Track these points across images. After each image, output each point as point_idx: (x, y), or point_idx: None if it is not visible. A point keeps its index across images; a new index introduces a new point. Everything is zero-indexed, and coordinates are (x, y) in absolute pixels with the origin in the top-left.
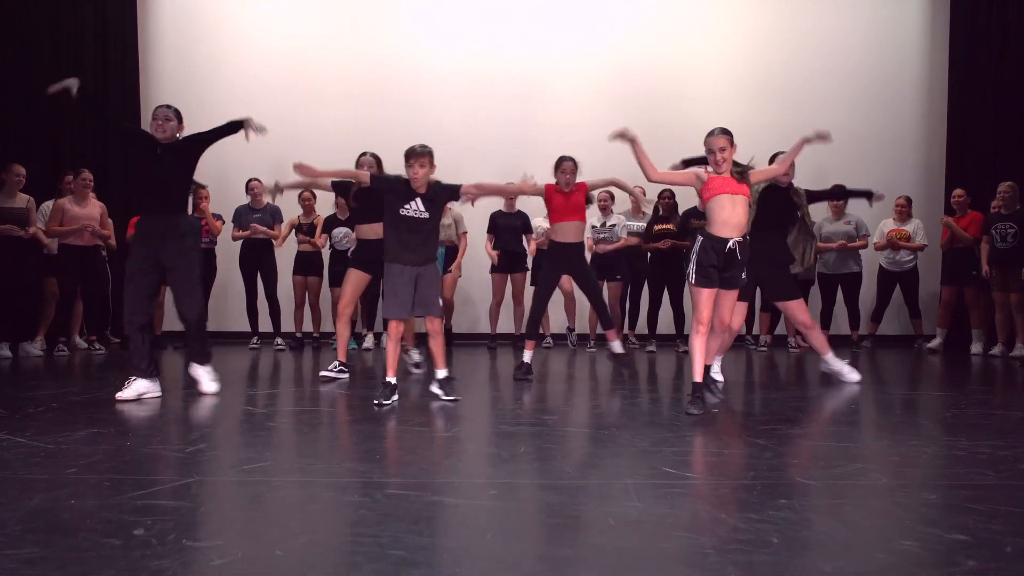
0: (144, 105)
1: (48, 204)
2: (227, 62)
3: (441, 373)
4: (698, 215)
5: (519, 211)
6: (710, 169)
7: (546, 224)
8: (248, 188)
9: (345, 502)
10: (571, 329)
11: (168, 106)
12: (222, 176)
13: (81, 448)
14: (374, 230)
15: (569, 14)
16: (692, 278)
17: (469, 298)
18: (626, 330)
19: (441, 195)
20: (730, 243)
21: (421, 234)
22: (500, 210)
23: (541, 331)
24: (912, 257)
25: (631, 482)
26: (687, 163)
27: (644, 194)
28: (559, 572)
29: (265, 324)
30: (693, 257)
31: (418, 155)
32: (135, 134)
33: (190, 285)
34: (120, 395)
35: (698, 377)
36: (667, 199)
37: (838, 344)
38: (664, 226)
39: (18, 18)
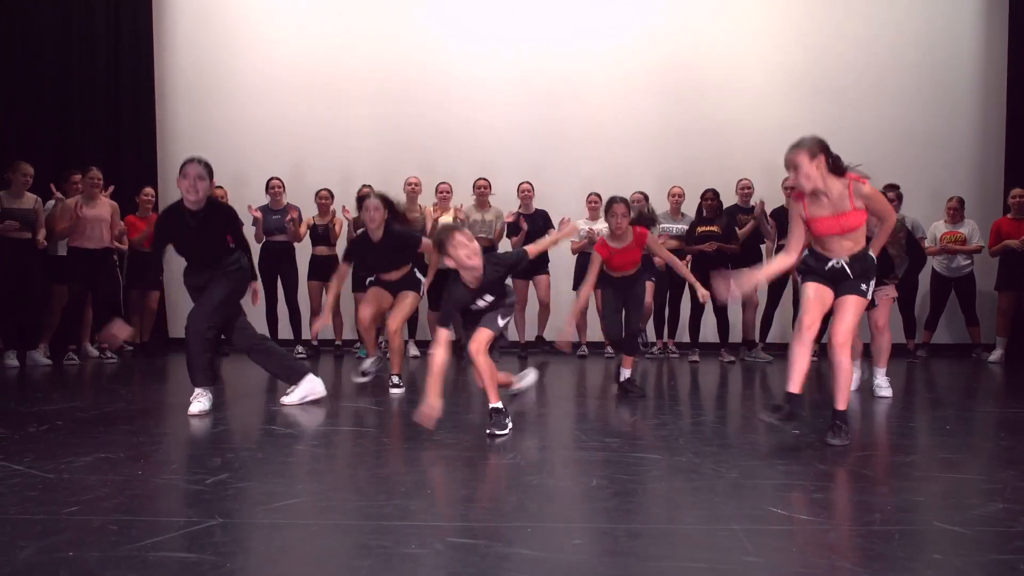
0: (159, 110)
1: (51, 203)
2: (245, 64)
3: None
4: (743, 211)
5: (538, 210)
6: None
7: (587, 227)
8: (268, 187)
9: (401, 555)
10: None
11: (200, 160)
12: (240, 176)
13: (86, 478)
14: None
15: (603, 12)
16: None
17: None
18: (665, 338)
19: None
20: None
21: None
22: (519, 211)
23: (578, 339)
24: (968, 261)
25: (738, 528)
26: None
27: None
28: None
29: (285, 331)
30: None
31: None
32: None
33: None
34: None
35: (842, 406)
36: (710, 200)
37: (893, 353)
38: (708, 228)
39: (29, 18)
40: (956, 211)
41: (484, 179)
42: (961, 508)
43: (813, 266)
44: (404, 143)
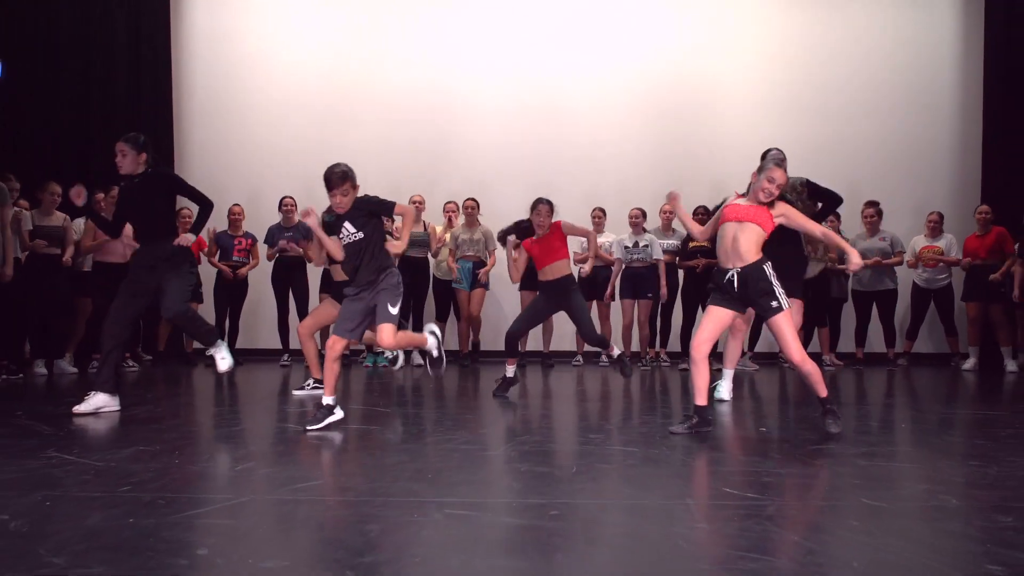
0: (177, 132)
1: (80, 222)
2: (257, 88)
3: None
4: None
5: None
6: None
7: (630, 241)
8: (281, 205)
9: (406, 522)
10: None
11: (126, 138)
12: (254, 195)
13: (130, 466)
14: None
15: (596, 35)
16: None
17: (497, 315)
18: (658, 347)
19: (367, 208)
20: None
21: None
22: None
23: (575, 350)
24: (946, 274)
25: (692, 502)
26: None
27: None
28: None
29: (296, 341)
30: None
31: (334, 183)
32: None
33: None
34: (78, 408)
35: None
36: (701, 215)
37: (873, 362)
38: (698, 243)
39: (53, 47)
40: (936, 225)
41: (472, 200)
42: (890, 489)
43: (718, 283)
44: (406, 161)
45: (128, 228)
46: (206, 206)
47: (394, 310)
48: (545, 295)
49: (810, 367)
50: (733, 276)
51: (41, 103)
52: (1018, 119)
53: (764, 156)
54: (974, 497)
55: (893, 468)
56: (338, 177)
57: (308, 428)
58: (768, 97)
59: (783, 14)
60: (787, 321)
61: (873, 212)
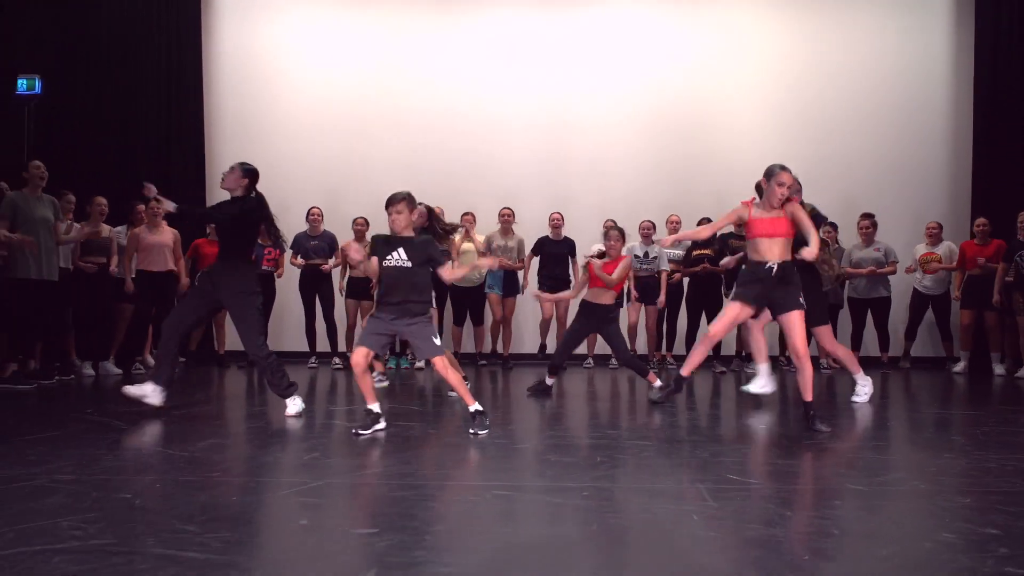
0: (208, 146)
1: (122, 231)
2: (284, 103)
3: (472, 408)
4: (736, 237)
5: (566, 238)
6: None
7: (640, 251)
8: (308, 216)
9: (463, 500)
10: (544, 347)
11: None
12: (282, 206)
13: (212, 456)
14: None
15: (608, 56)
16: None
17: (516, 321)
18: (664, 351)
19: (427, 250)
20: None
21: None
22: (547, 236)
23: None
24: (945, 281)
25: (703, 486)
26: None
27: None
28: (664, 555)
29: (323, 344)
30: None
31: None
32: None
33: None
34: (127, 390)
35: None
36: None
37: (867, 365)
38: (702, 251)
39: (94, 69)
40: (935, 233)
41: (508, 208)
42: (869, 476)
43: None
44: (428, 174)
45: (168, 237)
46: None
47: (438, 341)
48: (586, 316)
49: (810, 368)
50: (774, 266)
51: (82, 119)
52: (1006, 134)
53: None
54: (941, 483)
55: (875, 459)
56: (397, 197)
57: (358, 432)
58: (769, 113)
59: (784, 35)
60: (802, 319)
61: (868, 224)
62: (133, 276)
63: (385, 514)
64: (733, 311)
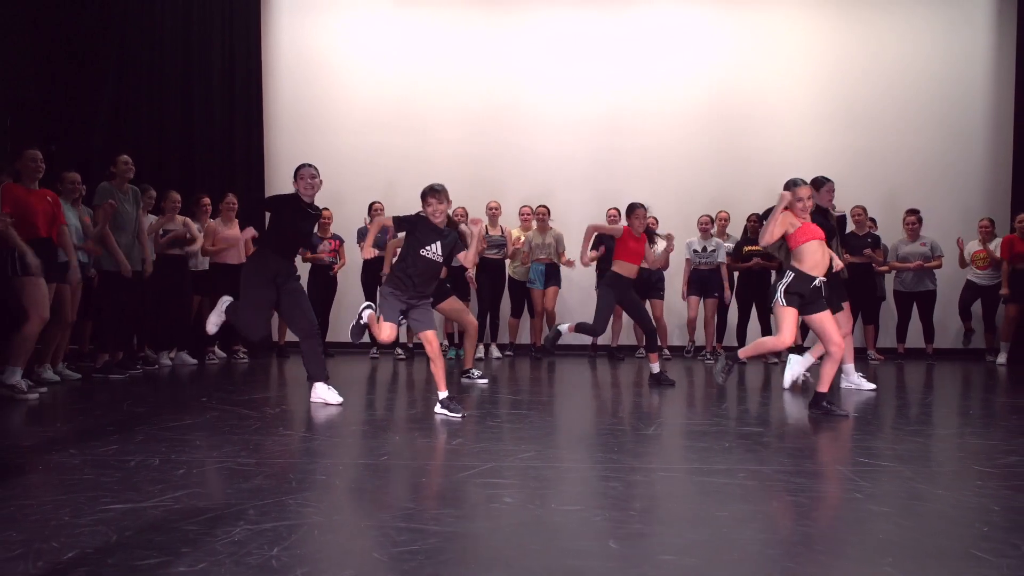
0: (267, 142)
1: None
2: (341, 99)
3: (442, 394)
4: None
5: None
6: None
7: (699, 245)
8: (371, 210)
9: (633, 480)
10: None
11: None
12: (339, 199)
13: (367, 442)
14: None
15: (654, 51)
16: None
17: (568, 312)
18: (715, 343)
19: (455, 241)
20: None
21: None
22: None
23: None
24: (997, 274)
25: (844, 469)
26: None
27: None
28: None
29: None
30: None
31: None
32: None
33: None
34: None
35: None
36: (754, 222)
37: (912, 356)
38: (752, 247)
39: (157, 71)
40: (988, 229)
41: (544, 206)
42: (992, 460)
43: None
44: (480, 170)
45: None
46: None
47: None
48: (618, 289)
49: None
50: (821, 284)
51: (149, 122)
52: None
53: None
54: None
55: (986, 445)
56: (442, 188)
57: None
58: (813, 109)
59: (827, 32)
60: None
61: (915, 219)
62: (206, 269)
63: (584, 494)
64: (829, 320)
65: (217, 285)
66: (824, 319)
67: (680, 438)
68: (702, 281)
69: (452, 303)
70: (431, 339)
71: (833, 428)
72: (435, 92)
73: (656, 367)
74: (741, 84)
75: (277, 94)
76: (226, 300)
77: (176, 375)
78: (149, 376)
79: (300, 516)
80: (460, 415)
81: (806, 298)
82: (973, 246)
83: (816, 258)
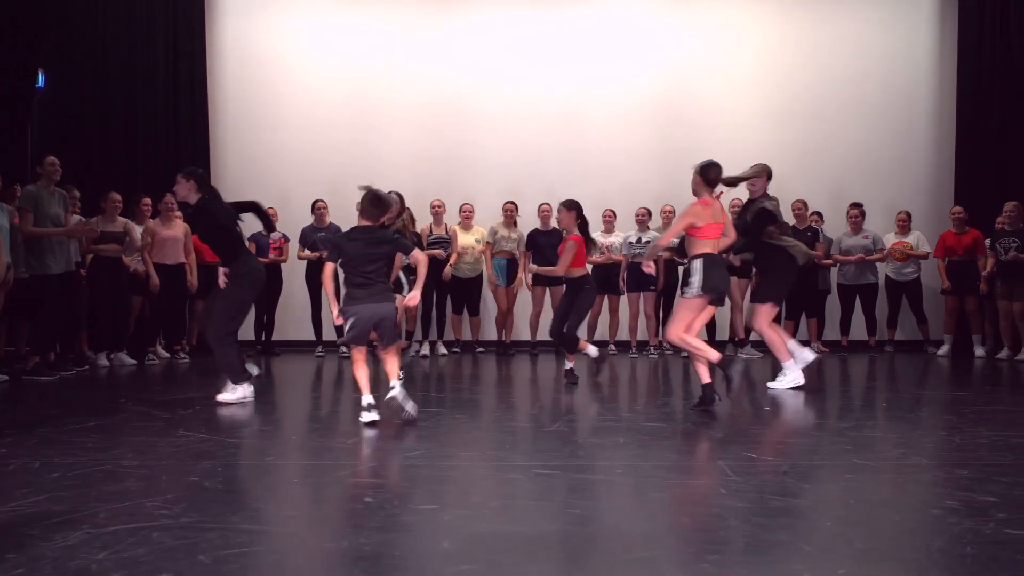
0: (212, 142)
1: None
2: (287, 98)
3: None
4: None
5: (555, 228)
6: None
7: (604, 240)
8: (314, 208)
9: (508, 479)
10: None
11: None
12: (284, 197)
13: (260, 442)
14: None
15: (604, 50)
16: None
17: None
18: (660, 337)
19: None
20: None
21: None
22: (537, 228)
23: (603, 339)
24: (914, 268)
25: (725, 463)
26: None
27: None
28: (705, 524)
29: (329, 334)
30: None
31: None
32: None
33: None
34: (223, 397)
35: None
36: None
37: (856, 349)
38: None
39: (101, 68)
40: (904, 223)
41: (512, 202)
42: (874, 452)
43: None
44: (430, 167)
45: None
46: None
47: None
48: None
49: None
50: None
51: (88, 114)
52: (989, 124)
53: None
54: (940, 458)
55: (876, 437)
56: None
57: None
58: (761, 105)
59: (775, 29)
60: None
61: (857, 212)
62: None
63: (446, 491)
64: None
65: (156, 285)
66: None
67: (578, 434)
68: (639, 275)
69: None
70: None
71: (737, 422)
72: (384, 89)
73: (593, 350)
74: (686, 80)
75: (223, 91)
76: None
77: (112, 376)
78: (82, 378)
79: (150, 519)
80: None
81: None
82: (891, 239)
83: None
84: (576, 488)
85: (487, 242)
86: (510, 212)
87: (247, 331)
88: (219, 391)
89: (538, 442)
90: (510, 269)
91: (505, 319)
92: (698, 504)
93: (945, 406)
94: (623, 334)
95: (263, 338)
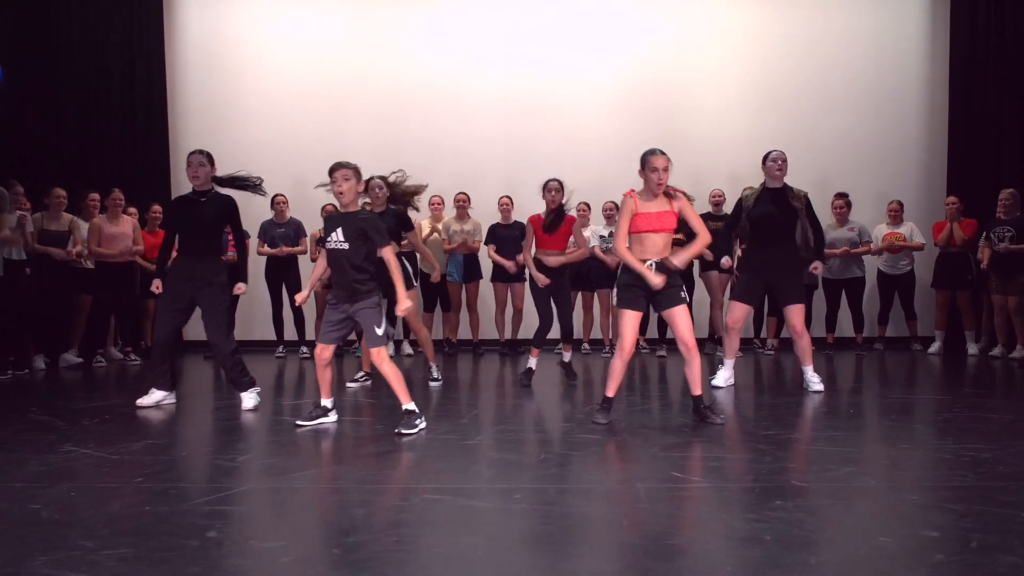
0: (172, 134)
1: (83, 223)
2: (247, 90)
3: (405, 406)
4: (715, 219)
5: (516, 221)
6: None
7: (604, 231)
8: (273, 203)
9: (388, 506)
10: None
11: (200, 151)
12: (246, 193)
13: (142, 458)
14: None
15: (578, 33)
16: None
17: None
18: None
19: (363, 225)
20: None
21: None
22: (499, 222)
23: (579, 337)
24: (908, 260)
25: (642, 486)
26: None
27: None
28: (580, 566)
29: (290, 333)
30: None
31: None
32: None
33: (220, 321)
34: (141, 401)
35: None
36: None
37: (843, 346)
38: (676, 235)
39: (54, 56)
40: (896, 213)
41: (463, 193)
42: (819, 471)
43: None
44: (396, 158)
45: (127, 227)
46: (243, 243)
47: (380, 331)
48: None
49: (698, 360)
50: (652, 264)
51: (43, 108)
52: (982, 112)
53: (765, 159)
54: (891, 478)
55: (828, 452)
56: (339, 164)
57: (299, 424)
58: (743, 93)
59: (757, 14)
60: (686, 313)
61: (842, 203)
62: (91, 267)
63: (300, 524)
64: (630, 323)
65: (104, 284)
66: (669, 316)
67: (497, 450)
68: (607, 270)
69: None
70: (373, 357)
71: (687, 437)
72: (349, 80)
73: (567, 356)
74: (666, 67)
75: (182, 84)
76: None
77: (47, 379)
78: (18, 382)
79: None
80: (409, 431)
81: (642, 286)
82: (883, 230)
83: (648, 245)
84: (455, 519)
85: (444, 239)
86: (462, 203)
87: (196, 332)
88: (143, 394)
89: (448, 459)
90: (468, 266)
91: (458, 316)
92: (580, 542)
93: (918, 412)
94: (596, 332)
95: None
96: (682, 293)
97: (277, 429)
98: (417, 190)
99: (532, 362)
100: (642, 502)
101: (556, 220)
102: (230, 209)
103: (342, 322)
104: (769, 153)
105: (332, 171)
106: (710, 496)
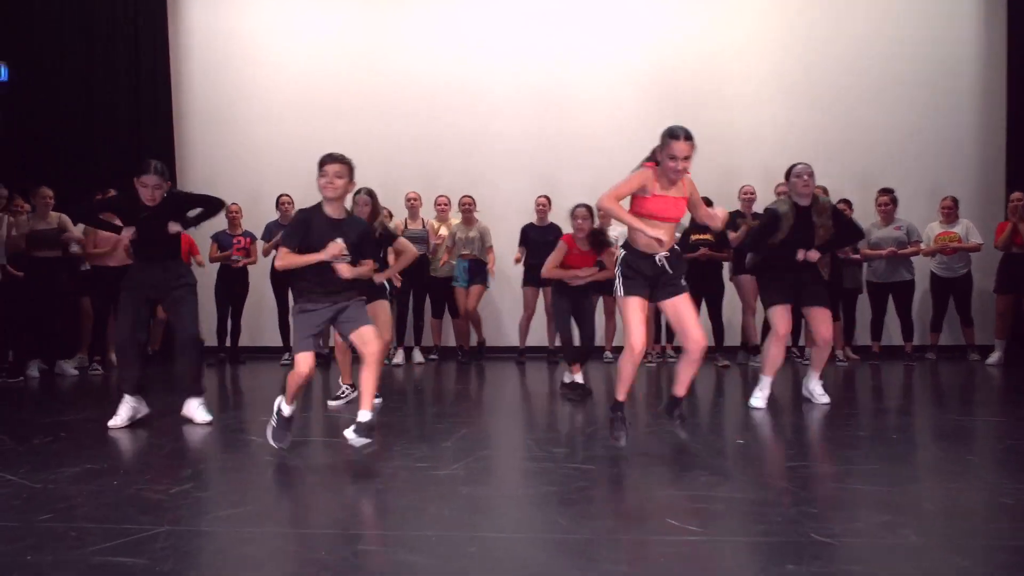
0: (177, 136)
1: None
2: (254, 90)
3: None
4: (744, 217)
5: (551, 224)
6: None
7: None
8: (278, 204)
9: (311, 559)
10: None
11: (156, 170)
12: (253, 194)
13: (67, 488)
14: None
15: (596, 22)
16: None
17: (499, 311)
18: (664, 343)
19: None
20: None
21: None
22: (532, 223)
23: (600, 345)
24: (965, 262)
25: (624, 537)
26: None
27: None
28: None
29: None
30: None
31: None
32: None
33: (188, 312)
34: (112, 423)
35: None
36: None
37: (891, 355)
38: (701, 236)
39: (57, 55)
40: (950, 211)
41: (468, 196)
42: (847, 521)
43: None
44: (408, 157)
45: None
46: (214, 205)
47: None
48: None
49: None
50: (663, 261)
51: (46, 107)
52: None
53: (789, 173)
54: (937, 532)
55: (859, 492)
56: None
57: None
58: (778, 83)
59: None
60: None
61: (888, 200)
62: (86, 269)
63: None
64: (637, 312)
65: (100, 290)
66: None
67: (466, 483)
68: None
69: (378, 309)
70: (367, 338)
71: (694, 468)
72: (358, 78)
73: (578, 378)
74: (698, 56)
75: (188, 84)
76: None
77: (36, 388)
78: (10, 389)
79: None
80: (367, 440)
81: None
82: (935, 229)
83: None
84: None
85: (447, 246)
86: (467, 208)
87: (210, 337)
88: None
89: (407, 495)
90: (473, 271)
91: (468, 322)
92: None
93: (975, 437)
94: (619, 339)
95: (228, 344)
96: (683, 282)
97: (233, 448)
98: (393, 235)
99: (578, 377)
100: (619, 563)
101: (595, 248)
102: (176, 202)
103: (320, 324)
104: (793, 167)
105: (323, 164)
106: (704, 555)
